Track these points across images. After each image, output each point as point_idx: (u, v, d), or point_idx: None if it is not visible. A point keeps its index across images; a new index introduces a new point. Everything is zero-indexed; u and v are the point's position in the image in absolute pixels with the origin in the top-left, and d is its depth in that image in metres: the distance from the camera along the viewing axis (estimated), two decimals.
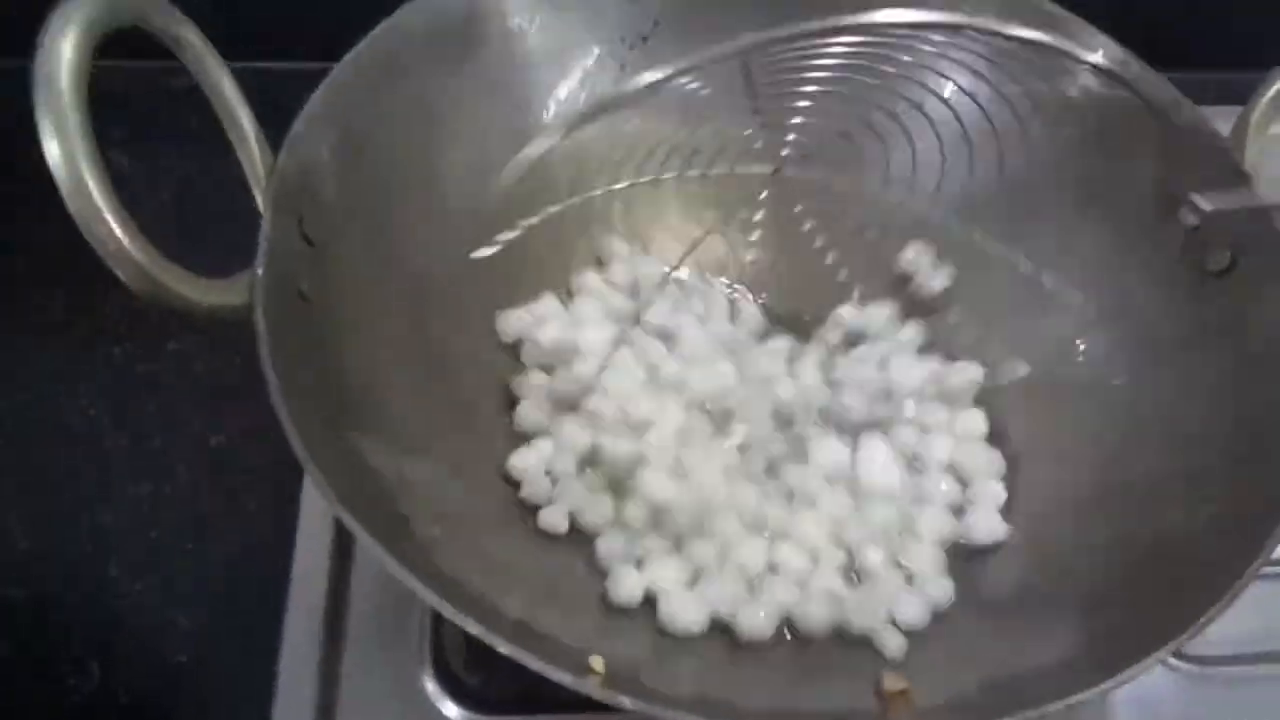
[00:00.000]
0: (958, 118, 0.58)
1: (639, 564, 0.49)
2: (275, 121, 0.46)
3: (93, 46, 0.36)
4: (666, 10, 0.59)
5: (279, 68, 0.54)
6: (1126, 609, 0.44)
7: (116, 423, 0.59)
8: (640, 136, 0.55)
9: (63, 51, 0.36)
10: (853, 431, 0.54)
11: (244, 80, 0.46)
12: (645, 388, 0.54)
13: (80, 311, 0.62)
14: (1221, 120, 0.54)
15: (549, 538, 0.50)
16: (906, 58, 0.57)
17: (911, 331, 0.58)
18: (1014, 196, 0.58)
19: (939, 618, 0.48)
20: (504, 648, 0.36)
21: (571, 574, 0.49)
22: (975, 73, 0.57)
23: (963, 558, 0.51)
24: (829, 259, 0.58)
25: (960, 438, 0.55)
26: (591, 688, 0.36)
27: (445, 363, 0.52)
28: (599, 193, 0.57)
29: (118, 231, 0.36)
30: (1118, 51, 0.56)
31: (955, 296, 0.59)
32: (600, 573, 0.49)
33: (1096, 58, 0.55)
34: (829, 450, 0.53)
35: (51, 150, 0.36)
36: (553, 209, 0.55)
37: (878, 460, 0.53)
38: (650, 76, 0.48)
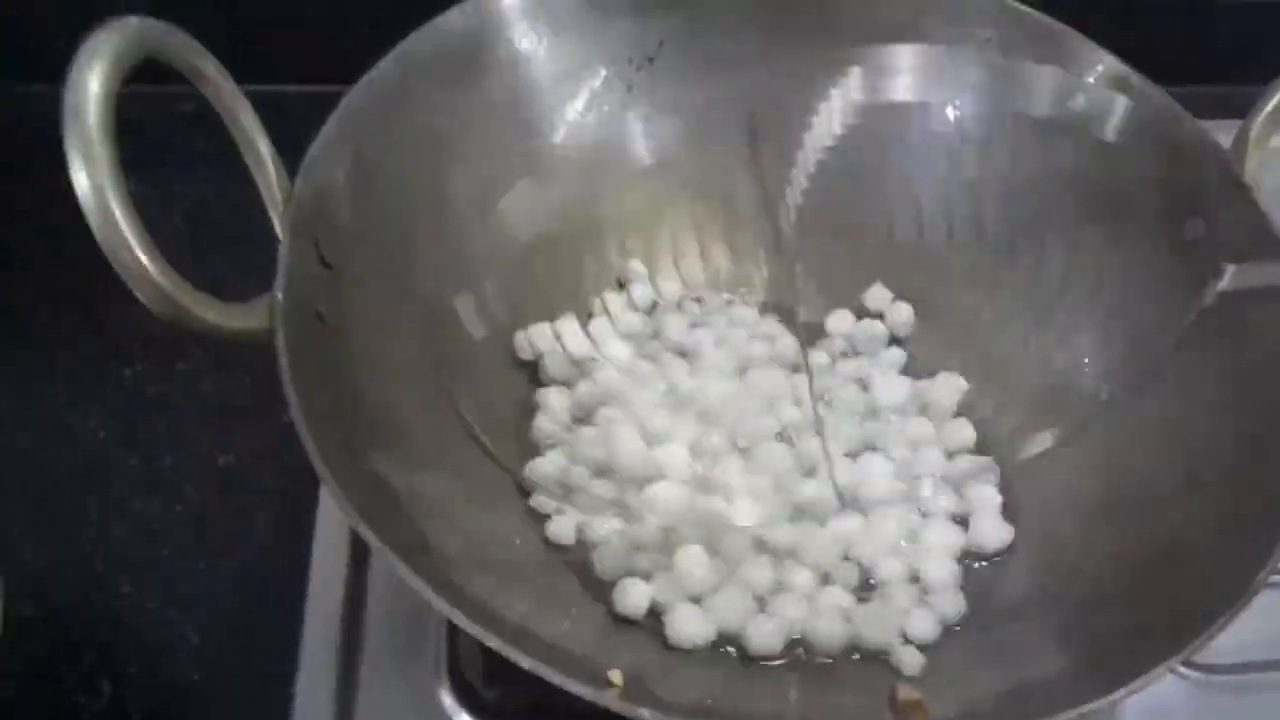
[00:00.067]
0: (960, 134, 0.59)
1: (646, 577, 0.49)
2: (284, 140, 0.47)
3: (119, 80, 0.37)
4: (671, 33, 0.59)
5: (289, 90, 0.54)
6: (1135, 618, 0.44)
7: (127, 443, 0.59)
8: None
9: (90, 85, 0.36)
10: (850, 450, 0.55)
11: (253, 100, 0.46)
12: (664, 400, 0.55)
13: (90, 333, 0.62)
14: (1220, 134, 0.55)
15: (562, 549, 0.50)
16: (910, 78, 0.58)
17: (894, 355, 0.59)
18: (1016, 211, 0.59)
19: (949, 629, 0.48)
20: (526, 663, 0.36)
21: (584, 586, 0.49)
22: (977, 90, 0.59)
23: (971, 569, 0.52)
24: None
25: (950, 449, 0.56)
26: (611, 700, 0.37)
27: (459, 381, 0.52)
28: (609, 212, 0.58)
29: (144, 259, 0.37)
30: (1118, 66, 0.56)
31: (956, 314, 0.60)
32: (606, 584, 0.49)
33: (1097, 73, 0.57)
34: (835, 467, 0.54)
35: (80, 182, 0.36)
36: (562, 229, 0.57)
37: (878, 474, 0.54)
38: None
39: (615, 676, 0.39)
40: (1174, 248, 0.54)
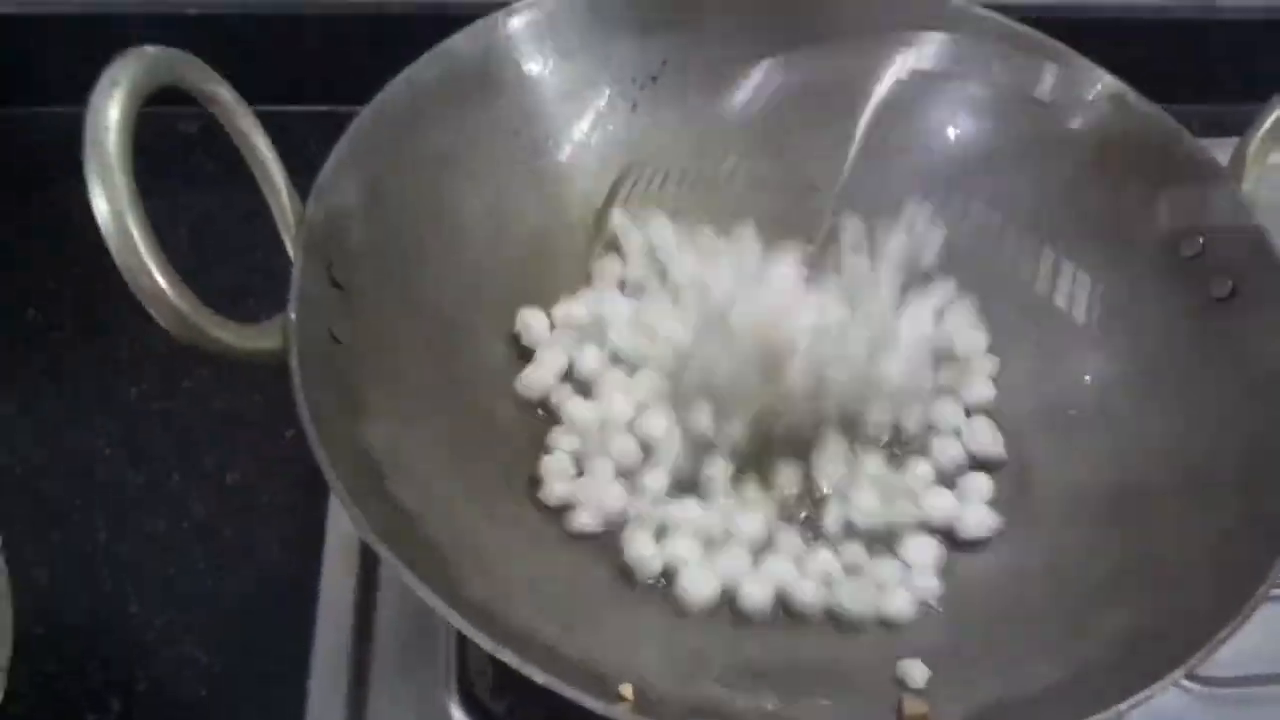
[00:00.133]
0: (959, 152, 0.60)
1: (658, 536, 0.50)
2: (288, 160, 0.47)
3: (137, 107, 0.38)
4: (674, 52, 0.60)
5: (292, 110, 0.55)
6: (1138, 630, 0.45)
7: (133, 461, 0.59)
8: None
9: (110, 113, 0.37)
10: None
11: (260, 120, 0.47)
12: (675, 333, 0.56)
13: (95, 351, 0.63)
14: (1218, 152, 0.55)
15: (577, 558, 0.50)
16: (908, 97, 0.59)
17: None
18: (1015, 227, 0.59)
19: (954, 639, 0.49)
20: (539, 678, 0.37)
21: (598, 591, 0.50)
22: (976, 109, 0.59)
23: (975, 579, 0.52)
24: None
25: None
26: (623, 713, 0.37)
27: (472, 396, 0.53)
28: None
29: (163, 284, 0.38)
30: (1115, 84, 0.57)
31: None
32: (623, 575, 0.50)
33: (1095, 90, 0.57)
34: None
35: (100, 208, 0.37)
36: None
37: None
38: None
39: (626, 690, 0.40)
40: (1172, 264, 0.55)
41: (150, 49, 0.39)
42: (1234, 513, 0.47)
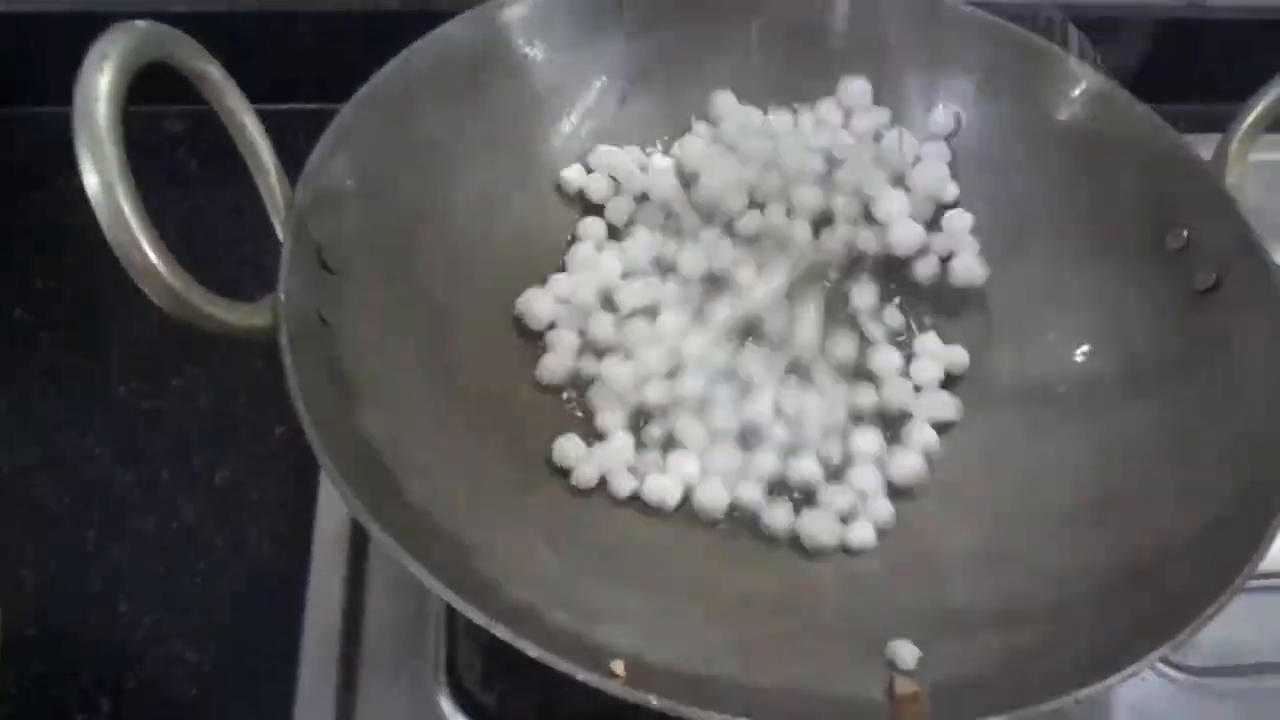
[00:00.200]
0: (950, 150, 0.60)
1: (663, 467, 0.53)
2: (284, 158, 0.47)
3: (127, 81, 0.38)
4: (664, 46, 0.61)
5: (293, 109, 0.55)
6: (1123, 614, 0.45)
7: (122, 460, 0.59)
8: None
9: (99, 85, 0.37)
10: None
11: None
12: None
13: (84, 351, 0.63)
14: (1204, 149, 0.56)
15: (570, 535, 0.51)
16: (900, 96, 0.59)
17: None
18: (1004, 222, 0.60)
19: (946, 623, 0.49)
20: (533, 652, 0.36)
21: (593, 567, 0.50)
22: (966, 107, 0.60)
23: (956, 561, 0.52)
24: None
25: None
26: (616, 688, 0.37)
27: (464, 378, 0.53)
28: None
29: (153, 257, 0.38)
30: (1103, 81, 0.58)
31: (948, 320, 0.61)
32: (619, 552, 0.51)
33: (1082, 88, 0.58)
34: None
35: (91, 181, 0.36)
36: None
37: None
38: None
39: (618, 667, 0.39)
40: (1159, 257, 0.55)
41: (140, 23, 0.39)
42: (1216, 498, 0.47)
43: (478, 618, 0.37)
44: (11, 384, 0.61)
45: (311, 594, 0.53)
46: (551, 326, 0.57)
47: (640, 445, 0.54)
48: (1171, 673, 0.53)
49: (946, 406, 0.57)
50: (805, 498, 0.54)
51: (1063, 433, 0.55)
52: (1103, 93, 0.58)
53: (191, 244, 0.64)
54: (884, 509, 0.53)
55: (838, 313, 0.59)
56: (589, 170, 0.61)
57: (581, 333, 0.57)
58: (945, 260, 0.60)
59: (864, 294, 0.59)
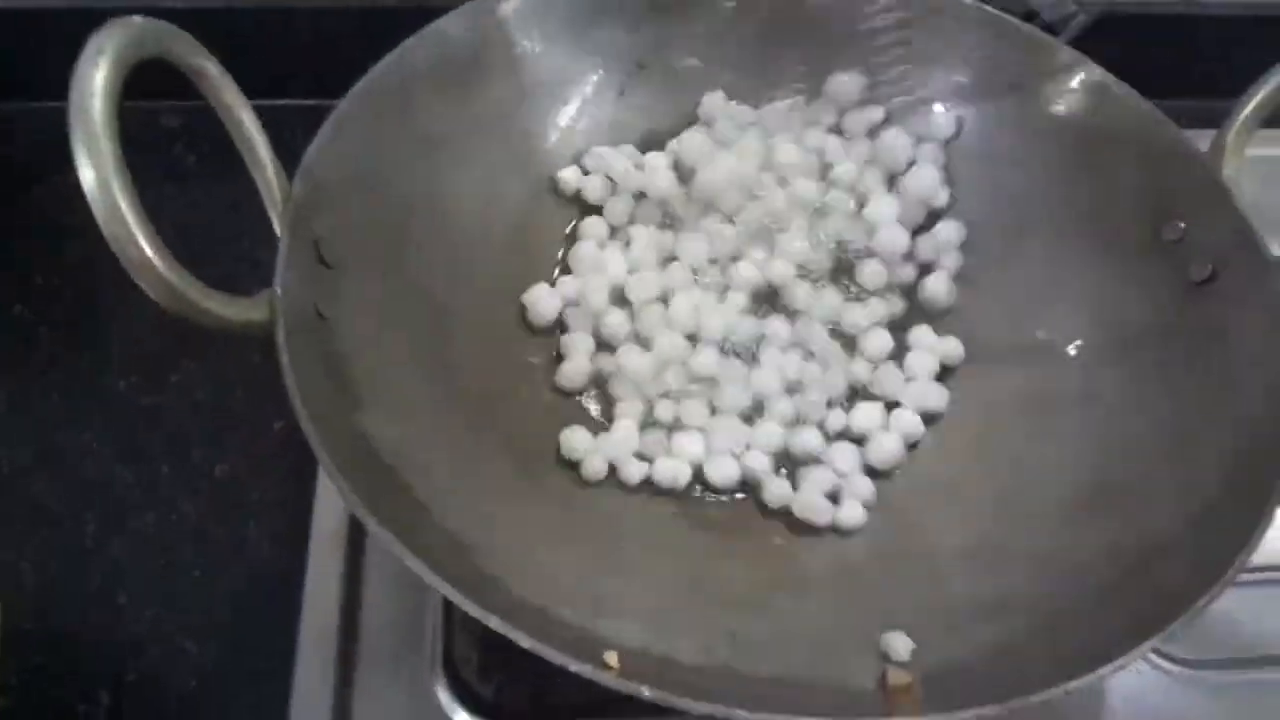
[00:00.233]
0: (946, 140, 0.60)
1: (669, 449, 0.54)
2: (281, 154, 0.47)
3: (123, 77, 0.38)
4: (661, 40, 0.61)
5: (289, 104, 0.55)
6: (1116, 606, 0.45)
7: (121, 456, 0.59)
8: None
9: (95, 80, 0.37)
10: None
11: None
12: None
13: (83, 347, 0.63)
14: (1200, 143, 0.56)
15: (565, 530, 0.51)
16: (896, 87, 0.59)
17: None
18: (1002, 213, 0.60)
19: (938, 614, 0.49)
20: (525, 643, 0.37)
21: (587, 561, 0.50)
22: (963, 98, 0.60)
23: (952, 550, 0.52)
24: None
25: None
26: (609, 679, 0.37)
27: (463, 375, 0.53)
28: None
29: (149, 251, 0.38)
30: (1100, 74, 0.58)
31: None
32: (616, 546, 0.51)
33: (1079, 80, 0.58)
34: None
35: (86, 176, 0.36)
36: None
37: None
38: None
39: (611, 659, 0.40)
40: (1155, 249, 0.55)
41: (137, 19, 0.39)
42: (1210, 490, 0.47)
43: (473, 610, 0.37)
44: (11, 380, 0.61)
45: (309, 588, 0.53)
46: (562, 329, 0.58)
47: (647, 428, 0.55)
48: (1165, 665, 0.54)
49: (936, 397, 0.57)
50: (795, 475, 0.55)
51: (1057, 425, 0.55)
52: (1100, 86, 0.58)
53: (189, 240, 0.64)
54: (865, 486, 0.54)
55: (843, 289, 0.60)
56: (585, 172, 0.61)
57: (595, 333, 0.57)
58: (922, 272, 0.61)
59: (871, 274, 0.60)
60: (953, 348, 0.58)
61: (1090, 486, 0.52)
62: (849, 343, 0.59)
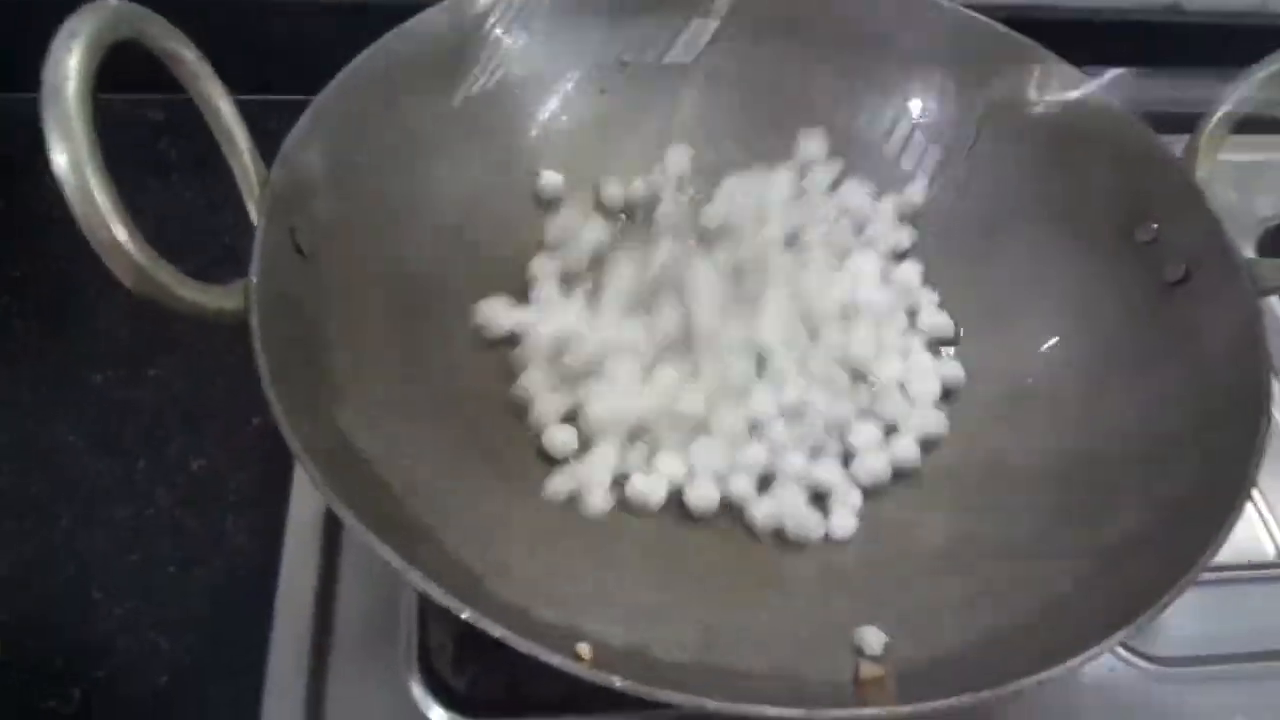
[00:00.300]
0: (927, 140, 0.61)
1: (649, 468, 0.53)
2: (262, 149, 0.47)
3: (97, 59, 0.37)
4: (644, 36, 0.61)
5: (271, 99, 0.55)
6: (1088, 601, 0.45)
7: (96, 448, 0.59)
8: None
9: (69, 63, 0.37)
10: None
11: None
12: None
13: (59, 338, 0.62)
14: (1176, 149, 0.56)
15: (537, 521, 0.51)
16: (880, 87, 0.60)
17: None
18: (977, 213, 0.61)
19: (913, 608, 0.49)
20: (497, 632, 0.37)
21: (561, 553, 0.50)
22: (944, 99, 0.60)
23: (926, 541, 0.53)
24: None
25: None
26: (582, 670, 0.37)
27: (438, 366, 0.53)
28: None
29: (121, 236, 0.37)
30: (1076, 76, 0.58)
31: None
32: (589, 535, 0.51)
33: (1057, 82, 0.58)
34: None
35: (59, 160, 0.36)
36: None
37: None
38: None
39: (584, 650, 0.40)
40: (1129, 250, 0.56)
41: (111, 2, 0.39)
42: (1183, 488, 0.48)
43: (445, 601, 0.37)
44: None
45: (284, 582, 0.53)
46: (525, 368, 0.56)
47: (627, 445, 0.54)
48: (1140, 663, 0.54)
49: (935, 423, 0.57)
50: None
51: (1031, 423, 0.55)
52: (1076, 86, 0.58)
53: (171, 232, 0.64)
54: (854, 494, 0.54)
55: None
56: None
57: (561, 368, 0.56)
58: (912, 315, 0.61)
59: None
60: (953, 371, 0.58)
61: (1063, 483, 0.52)
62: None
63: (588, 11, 0.60)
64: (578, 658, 0.39)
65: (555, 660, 0.37)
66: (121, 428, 0.59)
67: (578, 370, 0.55)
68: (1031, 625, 0.45)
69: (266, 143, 0.48)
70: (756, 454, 0.54)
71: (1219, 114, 0.56)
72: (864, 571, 0.52)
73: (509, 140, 0.60)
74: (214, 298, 0.42)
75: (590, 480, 0.52)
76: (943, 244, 0.61)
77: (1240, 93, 0.55)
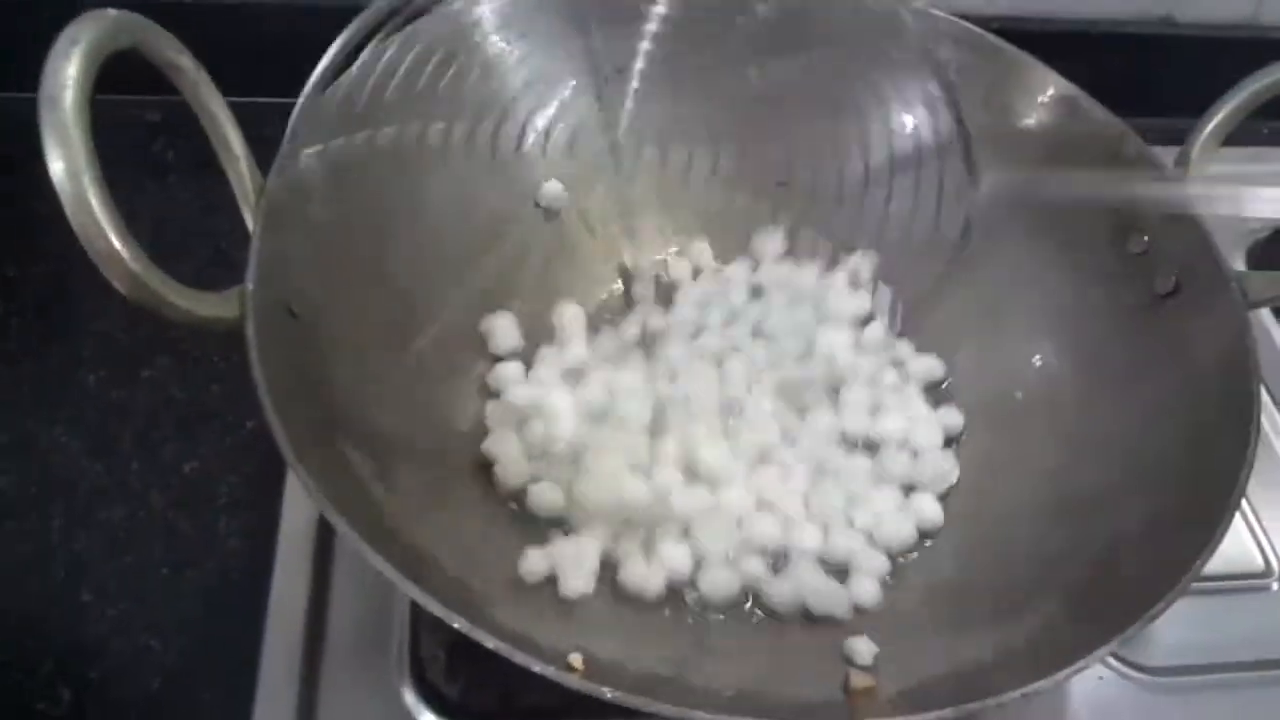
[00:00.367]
0: (917, 149, 0.61)
1: (646, 554, 0.51)
2: (256, 151, 0.47)
3: (95, 68, 0.37)
4: (639, 46, 0.61)
5: (266, 103, 0.55)
6: (1079, 610, 0.46)
7: (90, 450, 0.59)
8: None
9: (67, 71, 0.37)
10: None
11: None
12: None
13: (54, 340, 0.62)
14: (1168, 162, 0.57)
15: (530, 537, 0.51)
16: (868, 90, 0.60)
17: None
18: (970, 221, 0.61)
19: (902, 620, 0.49)
20: (490, 643, 0.37)
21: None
22: (934, 107, 0.60)
23: (925, 563, 0.53)
24: None
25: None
26: (574, 681, 0.37)
27: (435, 379, 0.54)
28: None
29: (117, 245, 0.37)
30: (1068, 87, 0.59)
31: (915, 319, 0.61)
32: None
33: (1048, 94, 0.58)
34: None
35: (56, 168, 0.36)
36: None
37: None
38: None
39: (575, 660, 0.40)
40: (1120, 260, 0.56)
41: (111, 11, 0.39)
42: (1170, 498, 0.48)
43: (438, 610, 0.37)
44: None
45: (276, 588, 0.53)
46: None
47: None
48: (1131, 673, 0.54)
49: (950, 473, 0.56)
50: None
51: (1024, 432, 0.56)
52: (1067, 98, 0.58)
53: (167, 236, 0.65)
54: (879, 560, 0.52)
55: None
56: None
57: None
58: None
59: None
60: (952, 418, 0.58)
61: (1055, 492, 0.53)
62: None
63: (586, 19, 0.60)
64: (570, 668, 0.39)
65: (549, 672, 0.37)
66: (115, 429, 0.59)
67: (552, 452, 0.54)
68: (1020, 636, 0.45)
69: (263, 148, 0.48)
70: (767, 529, 0.52)
71: (1211, 124, 0.56)
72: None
73: (506, 146, 0.60)
74: (210, 306, 0.42)
75: (573, 562, 0.50)
76: (932, 250, 0.61)
77: (1230, 107, 0.55)
